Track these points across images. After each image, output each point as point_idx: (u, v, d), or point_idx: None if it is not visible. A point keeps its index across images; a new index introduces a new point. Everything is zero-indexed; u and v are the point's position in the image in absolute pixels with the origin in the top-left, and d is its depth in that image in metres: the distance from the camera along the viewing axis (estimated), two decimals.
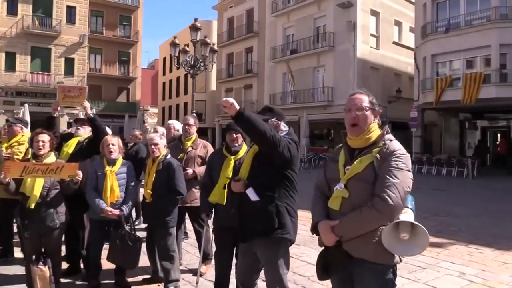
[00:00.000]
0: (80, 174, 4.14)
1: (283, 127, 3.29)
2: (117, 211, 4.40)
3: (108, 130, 7.70)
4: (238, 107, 2.74)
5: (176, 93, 47.89)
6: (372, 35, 28.79)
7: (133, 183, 4.64)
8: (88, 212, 4.80)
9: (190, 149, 5.14)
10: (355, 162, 2.28)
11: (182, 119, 5.52)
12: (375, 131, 2.36)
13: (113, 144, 4.54)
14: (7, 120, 5.69)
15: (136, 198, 6.13)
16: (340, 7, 27.72)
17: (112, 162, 4.52)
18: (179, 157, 4.97)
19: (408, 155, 2.29)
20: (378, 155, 2.23)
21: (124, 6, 38.56)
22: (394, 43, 30.48)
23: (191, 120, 5.27)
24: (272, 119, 3.23)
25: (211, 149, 5.22)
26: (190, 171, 4.97)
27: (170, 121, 7.16)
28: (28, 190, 4.16)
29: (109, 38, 37.66)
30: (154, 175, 4.43)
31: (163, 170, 4.43)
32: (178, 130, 7.09)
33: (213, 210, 4.06)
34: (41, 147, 4.30)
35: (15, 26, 30.70)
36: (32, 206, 4.11)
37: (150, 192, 4.41)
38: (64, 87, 5.12)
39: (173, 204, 4.46)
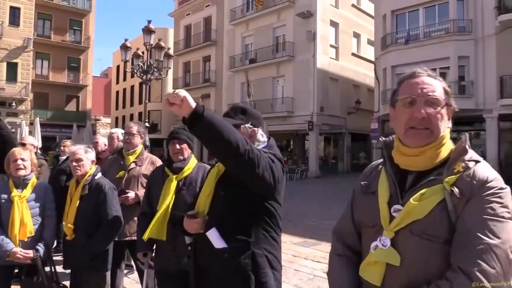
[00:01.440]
0: None
1: (261, 136, 2.24)
2: (30, 252, 3.20)
3: (33, 140, 6.42)
4: (193, 105, 1.68)
5: (130, 103, 45.97)
6: (331, 45, 28.49)
7: (51, 211, 3.43)
8: None
9: (133, 165, 3.98)
10: (411, 200, 1.27)
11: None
12: (447, 143, 1.36)
13: (22, 159, 3.33)
14: None
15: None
16: (300, 17, 27.23)
17: (22, 185, 3.32)
18: (118, 175, 3.82)
19: (509, 189, 1.26)
20: (455, 189, 1.23)
21: (74, 10, 36.51)
22: (353, 54, 30.36)
23: (134, 128, 4.10)
24: (246, 125, 2.18)
25: None
26: (131, 194, 3.81)
27: (113, 130, 5.99)
28: None
29: (57, 42, 35.42)
30: (78, 202, 3.26)
31: (90, 195, 3.27)
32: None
33: (153, 248, 3.02)
34: None
35: None
36: None
37: (72, 226, 3.22)
38: None
39: (104, 242, 3.28)
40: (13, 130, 28.66)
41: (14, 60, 30.62)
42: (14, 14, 30.86)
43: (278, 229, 2.17)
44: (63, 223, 3.30)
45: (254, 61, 30.16)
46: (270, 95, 29.09)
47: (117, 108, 49.92)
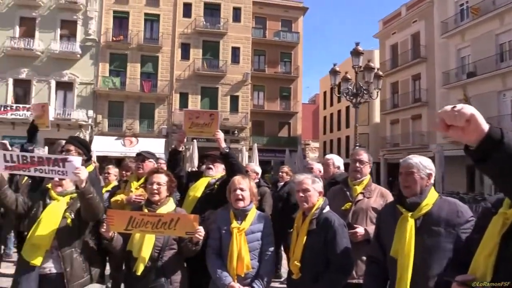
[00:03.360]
0: (200, 231, 2.90)
1: None
2: None
3: (255, 167, 6.57)
4: (486, 127, 1.17)
5: (338, 127, 46.53)
6: None
7: (271, 249, 3.18)
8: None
9: (360, 197, 3.49)
10: None
11: (349, 154, 3.80)
12: None
13: (242, 189, 3.19)
14: (138, 154, 4.85)
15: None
16: None
17: (241, 216, 3.17)
18: (343, 207, 3.39)
19: None
20: None
21: (284, 43, 39.24)
22: None
23: (364, 155, 3.61)
24: None
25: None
26: (360, 230, 3.31)
27: (328, 156, 5.66)
28: (136, 249, 3.06)
29: (271, 74, 38.56)
30: (305, 238, 2.91)
31: (318, 231, 2.89)
32: (338, 168, 5.55)
33: None
34: (155, 191, 3.20)
35: (187, 69, 33.41)
36: (139, 272, 2.98)
37: (299, 264, 2.89)
38: (191, 112, 3.94)
39: (332, 287, 2.85)
40: (237, 155, 32.01)
41: (236, 93, 34.46)
42: (235, 53, 34.89)
43: None
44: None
45: (473, 75, 26.95)
46: (496, 112, 25.41)
47: (324, 133, 51.22)
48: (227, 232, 3.09)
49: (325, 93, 51.17)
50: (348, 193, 3.52)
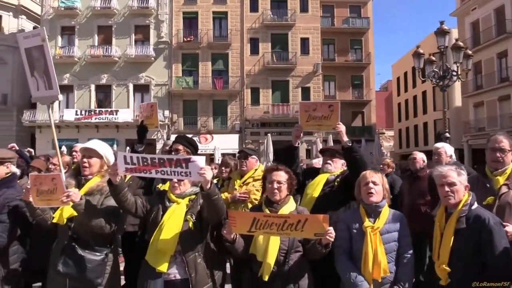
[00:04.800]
0: (331, 232, 2.67)
1: None
2: None
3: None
4: None
5: (414, 113, 44.39)
6: None
7: (410, 252, 2.87)
8: None
9: (504, 189, 3.00)
10: None
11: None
12: None
13: (374, 183, 2.91)
14: (240, 151, 4.71)
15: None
16: None
17: (375, 213, 2.88)
18: (485, 202, 2.97)
19: None
20: None
21: (354, 30, 38.02)
22: None
23: (506, 142, 3.11)
24: None
25: None
26: (509, 228, 2.88)
27: (438, 144, 5.23)
28: (260, 252, 2.89)
29: (341, 63, 37.57)
30: (452, 238, 2.57)
31: (468, 231, 2.54)
32: (451, 156, 5.09)
33: None
34: (276, 190, 3.01)
35: (257, 64, 33.45)
36: (266, 277, 2.81)
37: (447, 268, 2.56)
38: (307, 105, 3.68)
39: None
40: (309, 147, 31.60)
41: (307, 85, 33.98)
42: (304, 44, 34.38)
43: None
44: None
45: None
46: None
47: (399, 120, 49.16)
48: (359, 232, 2.83)
49: (398, 78, 49.02)
50: (488, 185, 3.10)
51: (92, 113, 31.51)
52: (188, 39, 32.61)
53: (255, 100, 32.96)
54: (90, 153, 3.28)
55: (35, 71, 3.59)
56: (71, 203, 2.91)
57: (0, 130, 32.43)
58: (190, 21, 33.27)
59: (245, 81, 33.24)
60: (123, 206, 3.01)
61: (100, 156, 3.29)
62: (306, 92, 33.85)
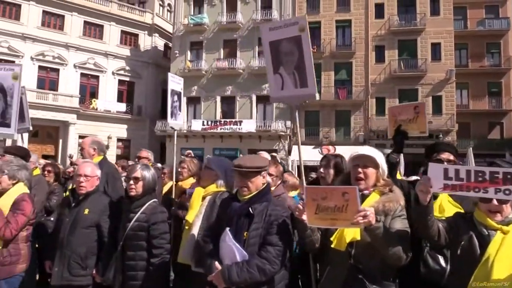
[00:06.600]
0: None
1: None
2: None
3: None
4: None
5: None
6: None
7: None
8: None
9: None
10: None
11: None
12: None
13: None
14: None
15: None
16: None
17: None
18: None
19: None
20: None
21: (491, 32, 34.54)
22: None
23: None
24: None
25: None
26: None
27: None
28: None
29: (475, 69, 34.28)
30: None
31: None
32: None
33: None
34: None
35: (383, 72, 31.92)
36: None
37: None
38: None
39: None
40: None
41: (438, 93, 31.49)
42: (435, 50, 32.01)
43: None
44: None
45: None
46: None
47: None
48: None
49: None
50: None
51: (218, 123, 32.57)
52: (312, 49, 32.19)
53: (381, 110, 31.31)
54: (365, 161, 2.67)
55: (282, 67, 3.08)
56: (364, 225, 2.30)
57: (135, 138, 35.14)
58: (313, 31, 32.81)
59: (369, 90, 31.87)
60: (426, 233, 2.34)
61: (377, 166, 2.66)
62: (437, 101, 31.42)
